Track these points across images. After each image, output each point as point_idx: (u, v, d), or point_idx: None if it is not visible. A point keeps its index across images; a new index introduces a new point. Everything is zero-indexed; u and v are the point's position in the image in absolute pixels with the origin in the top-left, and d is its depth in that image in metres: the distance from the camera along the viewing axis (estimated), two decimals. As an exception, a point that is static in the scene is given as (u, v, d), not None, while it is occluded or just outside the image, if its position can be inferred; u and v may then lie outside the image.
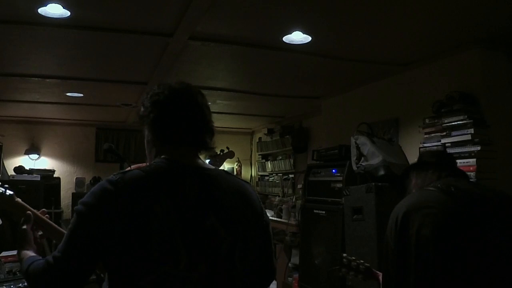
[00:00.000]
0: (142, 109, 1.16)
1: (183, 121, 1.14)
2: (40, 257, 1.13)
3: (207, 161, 2.92)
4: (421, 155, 1.65)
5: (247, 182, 1.29)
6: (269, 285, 1.38)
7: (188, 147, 1.16)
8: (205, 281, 1.04)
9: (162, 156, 1.11)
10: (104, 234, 0.98)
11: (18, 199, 1.45)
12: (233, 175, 1.27)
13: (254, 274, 1.25)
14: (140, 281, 0.98)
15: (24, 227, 1.30)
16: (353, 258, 1.81)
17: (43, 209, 1.43)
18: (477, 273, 1.25)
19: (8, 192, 1.44)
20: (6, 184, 1.47)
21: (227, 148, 4.79)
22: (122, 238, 0.97)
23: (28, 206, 1.42)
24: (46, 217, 1.40)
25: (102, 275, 1.32)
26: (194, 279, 1.02)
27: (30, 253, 1.19)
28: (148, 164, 1.16)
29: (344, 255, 1.87)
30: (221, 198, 1.11)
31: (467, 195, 1.35)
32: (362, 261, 1.79)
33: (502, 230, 1.30)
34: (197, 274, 1.02)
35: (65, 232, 1.06)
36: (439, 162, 1.52)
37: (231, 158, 4.03)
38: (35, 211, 1.38)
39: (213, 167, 1.23)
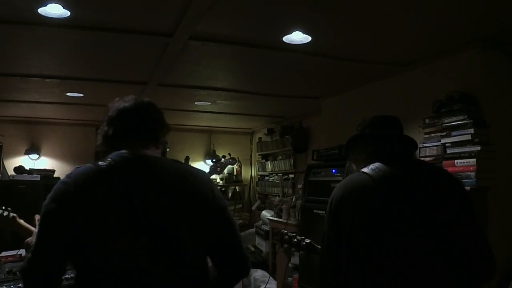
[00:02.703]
0: (104, 116, 1.35)
1: (133, 122, 1.31)
2: None
3: (210, 165, 2.98)
4: (361, 124, 1.64)
5: (201, 171, 1.42)
6: (242, 274, 1.43)
7: (137, 142, 1.30)
8: (152, 256, 1.16)
9: (113, 152, 1.28)
10: (63, 227, 1.15)
11: (20, 220, 1.63)
12: (183, 163, 1.41)
13: (223, 263, 1.37)
14: (91, 259, 1.14)
15: (28, 239, 1.52)
16: (294, 234, 1.88)
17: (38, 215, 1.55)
18: (399, 258, 1.31)
19: (11, 214, 1.61)
20: (7, 207, 1.63)
21: (229, 154, 4.82)
22: (76, 225, 1.14)
23: (28, 226, 1.60)
24: None
25: None
26: (141, 254, 1.15)
27: None
28: None
29: (285, 231, 1.92)
30: (164, 179, 1.24)
31: (393, 180, 1.39)
32: (303, 237, 1.84)
33: (423, 219, 1.34)
34: (143, 250, 1.15)
35: None
36: (375, 137, 1.53)
37: (233, 165, 4.04)
38: (34, 229, 1.57)
39: (160, 156, 1.37)
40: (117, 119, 1.30)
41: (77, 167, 1.24)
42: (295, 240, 1.83)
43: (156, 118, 1.35)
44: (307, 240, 1.82)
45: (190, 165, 1.43)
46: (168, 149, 3.57)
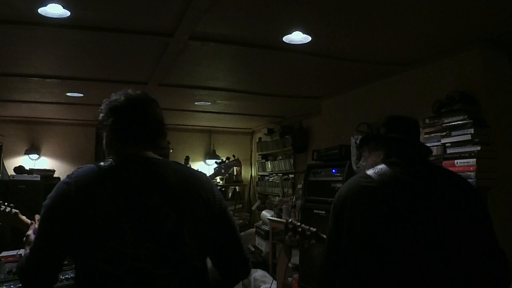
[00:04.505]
0: (101, 115, 1.32)
1: (133, 123, 1.29)
2: None
3: (214, 166, 2.99)
4: (379, 122, 1.61)
5: (202, 173, 1.41)
6: (243, 275, 1.43)
7: (138, 144, 1.29)
8: (153, 257, 1.15)
9: (115, 152, 1.28)
10: (64, 225, 1.14)
11: (23, 217, 1.65)
12: (185, 166, 1.40)
13: (224, 265, 1.37)
14: (93, 260, 1.13)
15: (28, 232, 1.49)
16: (299, 223, 1.83)
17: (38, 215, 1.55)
18: (399, 264, 1.28)
19: (14, 210, 1.64)
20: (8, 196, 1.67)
21: (234, 156, 4.82)
22: (77, 225, 1.13)
23: (30, 221, 1.64)
24: None
25: None
26: (142, 255, 1.14)
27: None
28: None
29: (290, 220, 1.88)
30: (165, 181, 1.23)
31: (398, 184, 1.36)
32: (308, 227, 1.80)
33: (430, 227, 1.30)
34: (144, 251, 1.14)
35: None
36: (389, 138, 1.51)
37: (238, 166, 4.04)
38: (35, 224, 1.57)
39: (162, 158, 1.34)
40: (119, 116, 1.28)
41: (79, 168, 1.23)
42: (300, 229, 1.80)
43: (158, 119, 1.33)
44: (313, 229, 1.78)
45: (190, 167, 1.43)
46: (172, 150, 3.60)
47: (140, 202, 1.17)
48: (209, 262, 1.40)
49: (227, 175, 7.09)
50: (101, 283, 1.14)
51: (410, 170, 1.41)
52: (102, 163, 1.22)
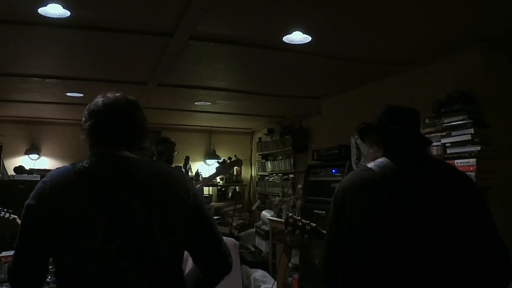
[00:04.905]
0: (83, 119, 1.36)
1: (109, 125, 1.33)
2: None
3: (216, 166, 2.99)
4: (378, 112, 1.61)
5: (177, 170, 1.43)
6: (224, 271, 1.41)
7: (114, 145, 1.32)
8: (123, 254, 1.17)
9: (93, 153, 1.32)
10: (41, 225, 1.19)
11: (19, 221, 1.67)
12: (160, 163, 1.41)
13: (202, 261, 1.38)
14: (66, 257, 1.17)
15: None
16: (300, 218, 1.83)
17: None
18: (399, 258, 1.28)
19: (12, 216, 1.68)
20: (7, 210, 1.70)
21: (235, 156, 4.83)
22: (51, 224, 1.17)
23: None
24: None
25: None
26: (113, 251, 1.16)
27: None
28: None
29: (290, 214, 1.89)
30: (135, 178, 1.25)
31: (398, 178, 1.36)
32: (308, 221, 1.80)
33: (431, 220, 1.30)
34: (114, 247, 1.17)
35: None
36: (388, 130, 1.50)
37: (239, 166, 4.04)
38: None
39: (136, 156, 1.36)
40: (97, 119, 1.32)
41: (57, 168, 1.28)
42: (300, 223, 1.79)
43: (135, 121, 1.36)
44: (313, 224, 1.78)
45: (166, 165, 1.43)
46: (176, 152, 3.58)
47: (110, 199, 1.20)
48: (191, 263, 1.41)
49: (227, 175, 7.10)
50: (74, 280, 1.18)
51: (410, 163, 1.41)
52: (78, 164, 1.26)
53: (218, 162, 6.76)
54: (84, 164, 1.25)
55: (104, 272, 1.16)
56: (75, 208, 1.18)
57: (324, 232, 1.66)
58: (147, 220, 1.21)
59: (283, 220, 4.21)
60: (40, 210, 1.20)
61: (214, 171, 4.21)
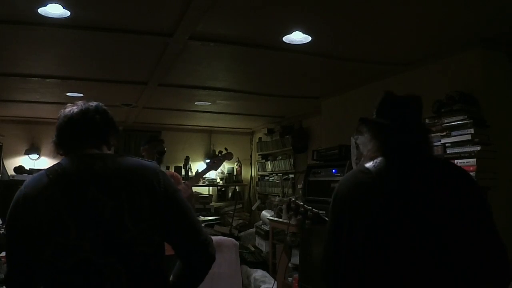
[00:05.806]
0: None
1: (74, 130, 1.39)
2: None
3: (207, 161, 2.98)
4: (375, 103, 1.59)
5: (148, 162, 1.43)
6: (206, 260, 1.40)
7: (83, 145, 1.38)
8: (97, 247, 1.21)
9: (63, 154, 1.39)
10: (20, 231, 1.26)
11: None
12: (129, 157, 1.42)
13: (182, 251, 1.39)
14: (44, 257, 1.22)
15: None
16: (302, 203, 1.82)
17: None
18: (397, 259, 1.28)
19: None
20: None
21: (226, 149, 4.78)
22: (29, 228, 1.23)
23: None
24: None
25: None
26: (87, 246, 1.21)
27: None
28: None
29: (293, 199, 1.87)
30: (102, 172, 1.29)
31: (396, 178, 1.35)
32: (310, 207, 1.79)
33: (429, 219, 1.30)
34: (88, 242, 1.21)
35: None
36: (384, 126, 1.49)
37: (229, 159, 4.03)
38: None
39: (107, 153, 1.43)
40: (61, 127, 1.39)
41: (34, 174, 1.36)
42: (302, 209, 1.78)
43: (98, 120, 1.42)
44: (315, 210, 1.77)
45: (136, 159, 1.43)
46: (165, 149, 3.57)
47: (79, 195, 1.24)
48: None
49: (225, 174, 7.09)
50: (54, 278, 1.24)
51: (408, 162, 1.40)
52: (51, 167, 1.32)
53: (209, 158, 6.71)
54: (55, 167, 1.31)
55: (80, 267, 1.21)
56: (48, 210, 1.23)
57: (326, 218, 1.66)
58: (117, 211, 1.24)
59: (283, 220, 4.23)
60: (16, 217, 1.27)
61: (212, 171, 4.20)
